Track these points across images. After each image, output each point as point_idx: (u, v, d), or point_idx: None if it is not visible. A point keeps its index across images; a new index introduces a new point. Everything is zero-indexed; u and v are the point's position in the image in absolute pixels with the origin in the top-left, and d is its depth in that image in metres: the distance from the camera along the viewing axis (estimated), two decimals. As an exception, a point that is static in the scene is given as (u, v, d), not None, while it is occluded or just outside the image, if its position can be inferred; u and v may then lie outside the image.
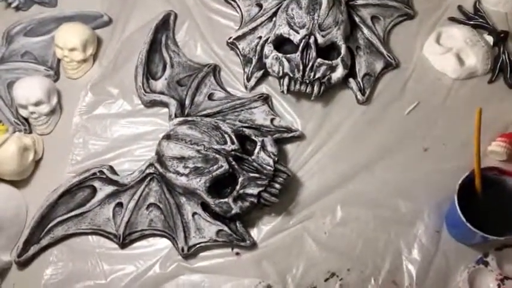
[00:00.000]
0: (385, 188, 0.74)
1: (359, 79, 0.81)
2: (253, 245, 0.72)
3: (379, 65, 0.82)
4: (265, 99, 0.81)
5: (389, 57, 0.82)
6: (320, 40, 0.78)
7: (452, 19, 0.85)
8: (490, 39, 0.82)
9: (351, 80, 0.81)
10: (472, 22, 0.84)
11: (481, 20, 0.84)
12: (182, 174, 0.71)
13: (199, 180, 0.70)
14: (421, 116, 0.78)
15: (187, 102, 0.81)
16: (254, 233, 0.73)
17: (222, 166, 0.70)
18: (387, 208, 0.72)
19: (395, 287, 0.68)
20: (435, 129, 0.77)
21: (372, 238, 0.71)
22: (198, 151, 0.71)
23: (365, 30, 0.83)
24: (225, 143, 0.72)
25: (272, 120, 0.79)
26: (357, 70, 0.81)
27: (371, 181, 0.74)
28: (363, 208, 0.73)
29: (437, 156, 0.75)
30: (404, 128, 0.78)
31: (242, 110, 0.80)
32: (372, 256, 0.70)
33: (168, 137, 0.74)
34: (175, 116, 0.79)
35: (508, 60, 0.80)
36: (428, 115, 0.78)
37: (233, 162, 0.71)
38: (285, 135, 0.78)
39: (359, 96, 0.80)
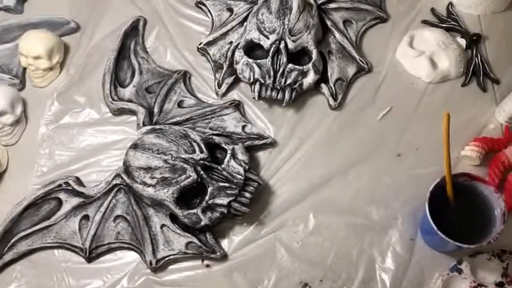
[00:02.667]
0: (358, 195, 0.72)
1: (331, 84, 0.79)
2: (224, 257, 0.70)
3: (351, 70, 0.81)
4: (237, 105, 0.80)
5: (361, 61, 0.80)
6: (290, 45, 0.76)
7: (425, 22, 0.84)
8: (463, 42, 0.81)
9: (323, 85, 0.79)
10: (445, 25, 0.83)
11: (453, 22, 0.83)
12: (149, 185, 0.69)
13: (167, 191, 0.68)
14: (394, 121, 0.77)
15: (156, 109, 0.79)
16: (225, 244, 0.71)
17: (190, 176, 0.68)
18: (360, 216, 0.71)
19: (368, 297, 0.66)
20: (408, 134, 0.76)
21: (345, 247, 0.69)
22: (165, 161, 0.69)
23: (337, 35, 0.82)
24: (194, 151, 0.70)
25: (243, 127, 0.78)
26: (329, 75, 0.80)
27: (344, 188, 0.73)
28: (336, 216, 0.71)
29: (410, 161, 0.74)
30: (377, 134, 0.76)
31: (213, 117, 0.78)
32: (345, 266, 0.68)
33: (135, 146, 0.72)
34: (144, 124, 0.77)
35: (480, 64, 0.79)
36: (402, 120, 0.77)
37: (202, 172, 0.69)
38: (257, 142, 0.76)
39: (331, 101, 0.79)
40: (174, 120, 0.78)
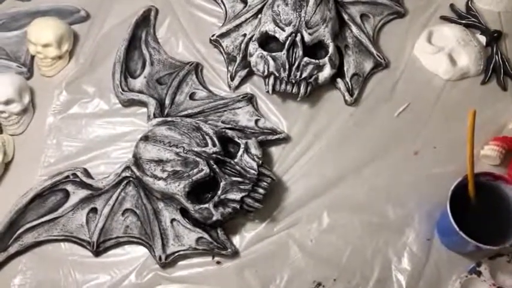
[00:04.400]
0: (374, 193, 0.70)
1: (347, 79, 0.77)
2: (235, 254, 0.68)
3: (368, 65, 0.79)
4: (250, 99, 0.78)
5: (378, 56, 0.78)
6: (307, 38, 0.74)
7: (444, 18, 0.82)
8: (483, 39, 0.79)
9: (338, 80, 0.77)
10: (464, 21, 0.81)
11: (473, 19, 0.81)
12: (160, 178, 0.67)
13: (178, 185, 0.66)
14: (411, 118, 0.75)
15: (167, 101, 0.77)
16: (236, 240, 0.69)
17: (202, 170, 0.66)
18: (375, 214, 0.69)
19: (384, 298, 0.65)
20: (426, 131, 0.74)
21: (360, 246, 0.68)
22: (177, 153, 0.67)
23: (354, 29, 0.80)
24: (206, 145, 0.68)
25: (256, 121, 0.76)
26: (345, 70, 0.78)
27: (359, 186, 0.71)
28: (350, 214, 0.69)
29: (428, 159, 0.72)
30: (393, 130, 0.74)
31: (225, 111, 0.76)
32: (359, 265, 0.67)
33: (145, 138, 0.70)
34: (154, 116, 0.75)
35: (501, 61, 0.77)
36: (419, 117, 0.75)
37: (214, 166, 0.67)
38: (270, 137, 0.74)
39: (347, 97, 0.77)
40: (185, 112, 0.76)
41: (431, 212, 0.68)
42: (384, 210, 0.69)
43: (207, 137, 0.69)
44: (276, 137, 0.74)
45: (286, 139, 0.75)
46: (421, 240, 0.67)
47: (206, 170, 0.66)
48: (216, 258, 0.69)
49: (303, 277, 0.66)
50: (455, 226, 0.58)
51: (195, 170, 0.66)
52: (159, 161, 0.68)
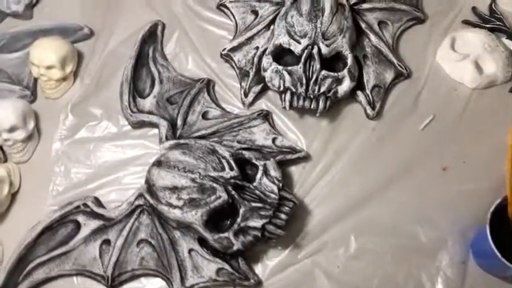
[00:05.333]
0: (402, 214, 0.67)
1: (368, 91, 0.73)
2: (258, 284, 0.65)
3: (389, 75, 0.75)
4: (266, 116, 0.74)
5: (400, 66, 0.74)
6: (324, 50, 0.70)
7: (467, 22, 0.78)
8: (510, 43, 0.75)
9: (359, 92, 0.73)
10: (488, 25, 0.77)
11: (498, 22, 0.77)
12: (176, 207, 0.64)
13: (195, 213, 0.63)
14: (437, 131, 0.71)
15: (179, 122, 0.73)
16: (259, 269, 0.66)
17: (220, 196, 0.62)
18: (405, 237, 0.65)
19: (419, 328, 0.61)
20: (454, 145, 0.70)
21: (390, 272, 0.64)
22: (193, 180, 0.63)
23: (372, 37, 0.75)
24: (223, 169, 0.64)
25: (274, 139, 0.72)
26: (365, 82, 0.74)
27: (386, 206, 0.67)
28: (379, 237, 0.66)
29: (457, 176, 0.68)
30: (419, 145, 0.70)
31: (240, 130, 0.73)
32: (391, 293, 0.63)
33: (158, 163, 0.66)
34: (166, 139, 0.71)
35: (530, 67, 0.73)
36: (446, 129, 0.71)
37: (233, 192, 0.63)
38: (289, 156, 0.70)
39: (368, 110, 0.73)
40: (199, 133, 0.72)
41: (465, 232, 0.64)
42: (413, 232, 0.65)
43: (223, 161, 0.65)
44: (296, 156, 0.70)
45: (306, 158, 0.71)
46: (455, 264, 0.63)
47: (224, 196, 0.62)
48: (238, 289, 0.65)
49: (331, 307, 0.63)
50: (497, 252, 0.54)
51: (213, 197, 0.63)
52: (174, 188, 0.64)
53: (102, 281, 0.66)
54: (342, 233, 0.66)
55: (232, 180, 0.63)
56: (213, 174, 0.64)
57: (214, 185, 0.63)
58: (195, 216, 0.63)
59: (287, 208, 0.64)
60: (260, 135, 0.72)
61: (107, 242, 0.67)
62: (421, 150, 0.70)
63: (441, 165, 0.69)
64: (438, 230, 0.65)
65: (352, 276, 0.64)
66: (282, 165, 0.69)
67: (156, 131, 0.73)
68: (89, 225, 0.68)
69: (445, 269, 0.63)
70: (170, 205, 0.64)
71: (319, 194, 0.69)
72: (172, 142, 0.70)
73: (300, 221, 0.67)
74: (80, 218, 0.68)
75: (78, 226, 0.68)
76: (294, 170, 0.71)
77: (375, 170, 0.70)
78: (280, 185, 0.65)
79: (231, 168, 0.64)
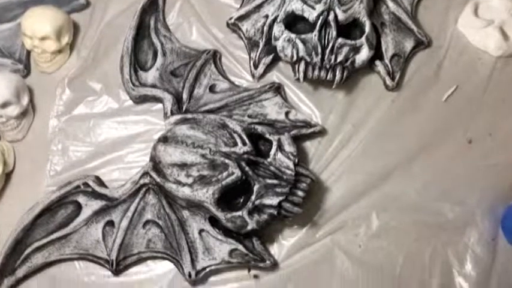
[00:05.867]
0: (427, 190, 0.63)
1: (387, 61, 0.69)
2: (275, 265, 0.61)
3: (408, 44, 0.70)
4: (277, 89, 0.69)
5: (419, 34, 0.69)
6: (341, 16, 0.65)
7: (490, -14, 0.73)
8: (536, 8, 0.71)
9: (377, 62, 0.68)
10: (513, -11, 0.72)
11: (523, -14, 0.72)
12: (185, 185, 0.59)
13: (206, 191, 0.58)
14: (461, 102, 0.67)
15: (184, 96, 0.68)
16: (274, 250, 0.62)
17: (233, 173, 0.58)
18: (431, 213, 0.61)
19: (447, 309, 0.57)
20: (479, 117, 0.66)
21: (415, 250, 0.60)
22: (203, 156, 0.59)
23: (390, 4, 0.71)
24: (235, 144, 0.60)
25: (287, 113, 0.67)
26: (383, 50, 0.69)
27: (409, 182, 0.63)
28: (402, 214, 0.62)
29: (484, 148, 0.64)
30: (442, 117, 0.66)
31: (251, 104, 0.68)
32: (416, 272, 0.59)
33: (164, 139, 0.62)
34: (172, 113, 0.66)
35: (559, 33, 0.69)
36: (470, 100, 0.67)
37: (246, 168, 0.59)
38: (304, 131, 0.66)
39: (388, 81, 0.68)
40: (206, 107, 0.67)
41: (494, 208, 0.60)
42: (439, 208, 0.61)
43: (235, 135, 0.61)
44: (311, 130, 0.66)
45: (321, 132, 0.66)
46: (484, 241, 0.59)
47: (237, 173, 0.58)
48: (253, 272, 0.61)
49: (353, 288, 0.59)
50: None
51: (225, 174, 0.58)
52: (183, 165, 0.59)
53: (106, 265, 0.61)
54: (363, 211, 0.62)
55: (245, 156, 0.59)
56: (225, 149, 0.59)
57: (226, 160, 0.59)
58: (206, 195, 0.58)
59: (304, 185, 0.60)
60: (272, 109, 0.68)
61: (110, 223, 0.63)
62: (444, 123, 0.66)
63: (466, 138, 0.65)
64: (465, 206, 0.61)
65: (374, 255, 0.60)
66: (297, 140, 0.64)
67: (160, 105, 0.68)
68: (90, 206, 0.63)
69: (474, 247, 0.59)
70: (179, 183, 0.60)
71: (336, 170, 0.65)
72: (178, 117, 0.65)
73: (317, 199, 0.63)
74: (81, 199, 0.64)
75: (78, 207, 0.64)
76: (309, 145, 0.67)
77: (396, 144, 0.65)
78: (296, 160, 0.61)
79: (244, 143, 0.60)
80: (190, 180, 0.59)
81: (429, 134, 0.65)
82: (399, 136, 0.66)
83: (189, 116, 0.65)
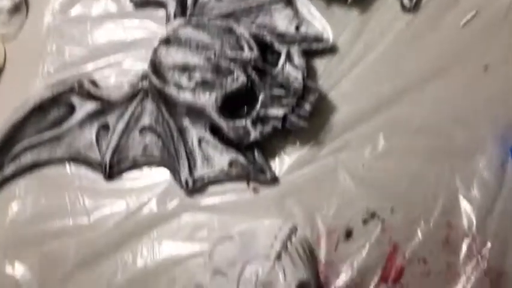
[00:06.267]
0: (438, 113, 0.60)
1: (405, -21, 0.65)
2: (275, 179, 0.58)
3: (430, -36, 0.66)
4: (289, 1, 0.65)
5: (442, -46, 0.66)
6: None
7: None
8: None
9: (395, -20, 0.65)
10: None
11: None
12: (186, 89, 0.56)
13: (209, 96, 0.55)
14: (479, 28, 0.63)
15: (189, 1, 0.64)
16: (275, 165, 0.59)
17: (238, 78, 0.55)
18: (440, 137, 0.59)
19: (450, 231, 0.55)
20: (497, 44, 0.62)
21: (421, 173, 0.57)
22: (208, 59, 0.56)
23: None
24: (242, 49, 0.56)
25: (297, 26, 0.63)
26: (403, -32, 0.65)
27: (420, 105, 0.60)
28: (411, 137, 0.59)
29: (500, 75, 0.61)
30: (459, 42, 0.63)
31: (260, 13, 0.64)
32: (421, 194, 0.57)
33: (166, 41, 0.58)
34: (175, 17, 0.62)
35: None
36: (489, 27, 0.63)
37: (252, 74, 0.55)
38: (315, 45, 0.62)
39: (405, 2, 0.64)
40: (212, 14, 0.63)
41: (505, 135, 0.58)
42: (449, 132, 0.59)
43: (242, 40, 0.57)
44: (322, 46, 0.62)
45: (332, 49, 0.63)
46: (493, 166, 0.57)
47: (243, 79, 0.55)
48: (252, 185, 0.58)
49: (354, 206, 0.57)
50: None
51: (229, 79, 0.55)
52: (185, 68, 0.56)
53: (98, 169, 0.59)
54: (370, 131, 0.59)
55: (252, 62, 0.56)
56: (231, 54, 0.56)
57: (232, 65, 0.55)
58: (208, 100, 0.55)
59: (312, 98, 0.57)
60: (282, 21, 0.64)
61: (105, 127, 0.60)
62: (460, 48, 0.63)
63: (483, 65, 0.62)
64: (476, 132, 0.59)
65: (378, 175, 0.58)
66: (306, 55, 0.61)
67: (162, 12, 0.64)
68: (84, 108, 0.60)
69: (482, 172, 0.57)
70: (180, 87, 0.56)
71: (346, 89, 0.62)
72: (182, 20, 0.61)
73: (324, 117, 0.60)
74: (75, 100, 0.60)
75: (72, 108, 0.60)
76: (318, 62, 0.63)
77: (409, 67, 0.62)
78: (305, 73, 0.58)
79: (251, 48, 0.57)
80: (192, 84, 0.56)
81: (444, 59, 0.62)
82: (412, 59, 0.62)
83: (193, 19, 0.61)
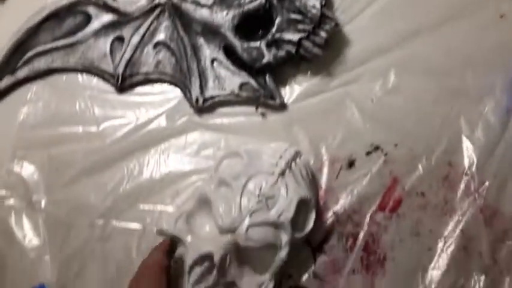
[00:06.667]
0: (450, 55, 0.60)
1: None
2: (283, 106, 0.59)
3: None
4: None
5: None
6: None
7: None
8: None
9: None
10: None
11: None
12: (204, 6, 0.56)
13: (226, 14, 0.55)
14: (499, -24, 0.63)
15: None
16: (285, 92, 0.60)
17: (256, -1, 0.55)
18: (451, 78, 0.59)
19: (450, 169, 0.56)
20: (517, -6, 0.63)
21: (428, 111, 0.58)
22: (227, -24, 0.55)
23: None
24: (261, -30, 0.56)
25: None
26: None
27: (434, 45, 0.60)
28: (422, 75, 0.59)
29: (515, 24, 0.62)
30: (480, -12, 0.63)
31: None
32: (425, 132, 0.57)
33: (188, -43, 0.58)
34: None
35: None
36: (511, -24, 0.63)
37: (271, -4, 0.55)
38: (334, -23, 0.62)
39: None
40: None
41: (515, 82, 0.59)
42: (461, 74, 0.59)
43: (263, -39, 0.57)
44: (341, -22, 0.62)
45: (351, -17, 0.63)
46: (499, 111, 0.58)
47: (261, -1, 0.55)
48: (261, 110, 0.59)
49: (359, 139, 0.58)
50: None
51: (248, -1, 0.55)
52: (205, -16, 0.56)
53: (110, 80, 0.59)
54: (382, 67, 0.60)
55: (271, -16, 0.56)
56: (251, -26, 0.56)
57: (251, -15, 0.55)
58: (225, 18, 0.55)
59: (328, 26, 0.57)
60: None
61: (120, 39, 0.60)
62: (479, -5, 0.63)
63: (499, 12, 0.62)
64: (487, 76, 0.59)
65: (386, 111, 0.59)
66: (325, -13, 0.61)
67: None
68: (100, 19, 0.60)
69: (488, 115, 0.58)
70: (197, 3, 0.56)
71: (362, 23, 0.62)
72: None
73: (337, 49, 0.61)
74: (91, 10, 0.60)
75: (88, 18, 0.60)
76: (336, -2, 0.63)
77: (427, 7, 0.62)
78: (324, 1, 0.58)
79: (271, -29, 0.56)
80: (210, 2, 0.56)
81: (462, 3, 0.62)
82: (430, 1, 0.63)
83: None
